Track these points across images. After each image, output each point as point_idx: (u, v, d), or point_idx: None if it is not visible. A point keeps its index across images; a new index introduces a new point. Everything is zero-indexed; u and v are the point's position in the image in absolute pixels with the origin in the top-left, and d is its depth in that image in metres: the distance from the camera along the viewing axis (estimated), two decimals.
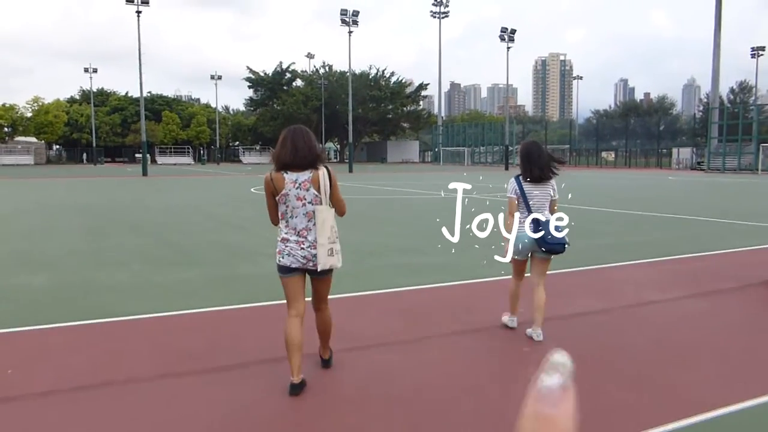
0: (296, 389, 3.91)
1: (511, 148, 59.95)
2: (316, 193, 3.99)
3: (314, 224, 3.98)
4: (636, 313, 6.07)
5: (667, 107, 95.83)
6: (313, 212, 3.98)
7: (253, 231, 11.95)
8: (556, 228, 4.87)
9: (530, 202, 5.11)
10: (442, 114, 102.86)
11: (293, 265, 4.00)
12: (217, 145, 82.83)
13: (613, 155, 71.31)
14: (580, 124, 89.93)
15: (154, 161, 77.35)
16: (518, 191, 5.15)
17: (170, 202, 19.27)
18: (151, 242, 10.52)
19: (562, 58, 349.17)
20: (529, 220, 5.06)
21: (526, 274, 5.37)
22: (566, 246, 5.02)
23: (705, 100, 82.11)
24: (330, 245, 4.01)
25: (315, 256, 3.97)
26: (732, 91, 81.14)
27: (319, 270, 4.00)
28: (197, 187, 28.98)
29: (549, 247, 4.99)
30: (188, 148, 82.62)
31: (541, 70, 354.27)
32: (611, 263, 8.58)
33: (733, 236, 11.59)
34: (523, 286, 5.41)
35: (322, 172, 4.04)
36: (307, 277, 4.14)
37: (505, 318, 5.50)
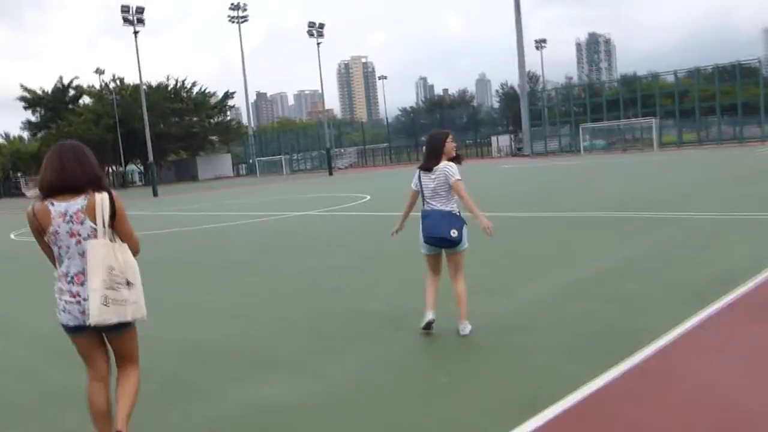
0: None
1: (332, 152, 56.68)
2: (94, 225, 3.17)
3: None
4: None
5: (468, 100, 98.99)
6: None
7: None
8: (438, 221, 5.01)
9: (424, 193, 5.16)
10: (252, 124, 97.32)
11: (71, 324, 3.21)
12: None
13: None
14: (390, 123, 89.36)
15: None
16: (417, 183, 5.20)
17: None
18: None
19: (364, 60, 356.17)
20: (423, 209, 5.15)
21: None
22: (451, 240, 4.99)
23: (501, 90, 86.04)
24: (106, 291, 3.11)
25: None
26: (530, 80, 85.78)
27: (92, 323, 3.13)
28: None
29: (426, 238, 5.07)
30: None
31: (345, 73, 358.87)
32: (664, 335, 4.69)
33: (742, 240, 8.54)
34: None
35: (101, 197, 3.19)
36: None
37: (426, 313, 5.29)
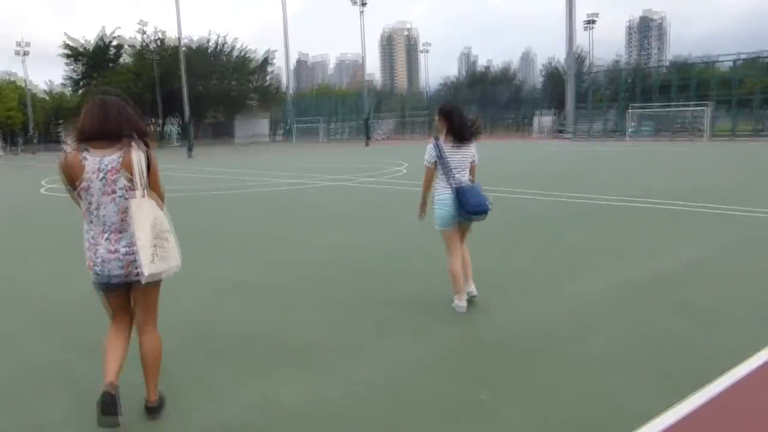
0: (106, 400, 3.08)
1: (370, 122, 55.91)
2: (128, 182, 3.12)
3: (129, 222, 3.16)
4: None
5: (511, 77, 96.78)
6: (127, 207, 3.14)
7: None
8: (477, 193, 4.98)
9: (451, 166, 4.96)
10: (291, 89, 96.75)
11: (113, 281, 3.22)
12: (31, 130, 70.91)
13: None
14: (431, 95, 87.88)
15: None
16: (437, 156, 4.99)
17: None
18: None
19: (407, 29, 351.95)
20: (448, 187, 4.97)
21: None
22: (487, 211, 5.00)
23: (546, 68, 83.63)
24: (153, 246, 3.16)
25: (135, 262, 3.17)
26: (577, 60, 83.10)
27: (143, 281, 3.20)
28: None
29: (472, 209, 4.93)
30: None
31: (388, 42, 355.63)
32: None
33: None
34: None
35: (137, 152, 3.13)
36: None
37: (457, 304, 5.17)
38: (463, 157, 5.04)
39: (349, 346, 4.58)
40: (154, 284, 3.39)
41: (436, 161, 5.03)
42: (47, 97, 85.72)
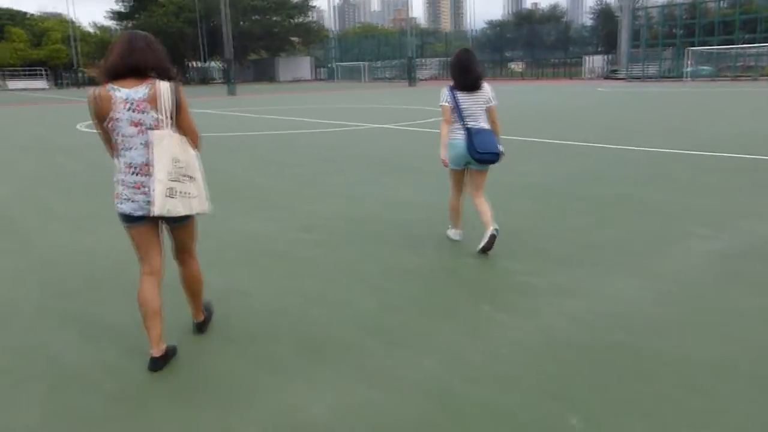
0: (158, 363, 3.19)
1: (414, 60, 54.11)
2: (156, 115, 3.06)
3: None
4: None
5: (559, 16, 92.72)
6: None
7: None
8: (488, 137, 5.01)
9: (463, 112, 5.04)
10: (335, 28, 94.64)
11: (136, 213, 3.14)
12: (77, 66, 71.07)
13: (521, 66, 67.13)
14: (475, 35, 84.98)
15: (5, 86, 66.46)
16: (450, 100, 5.07)
17: None
18: None
19: None
20: (461, 129, 5.05)
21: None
22: (500, 155, 5.03)
23: (596, 5, 79.64)
24: (172, 183, 3.07)
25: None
26: None
27: (156, 214, 3.08)
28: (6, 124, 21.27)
29: (479, 156, 4.98)
30: (42, 71, 70.80)
31: None
32: None
33: None
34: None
35: (164, 86, 3.07)
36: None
37: (450, 232, 5.58)
38: (476, 103, 5.07)
39: (394, 334, 3.73)
40: (189, 223, 3.39)
41: (449, 103, 5.08)
42: (93, 31, 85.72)
